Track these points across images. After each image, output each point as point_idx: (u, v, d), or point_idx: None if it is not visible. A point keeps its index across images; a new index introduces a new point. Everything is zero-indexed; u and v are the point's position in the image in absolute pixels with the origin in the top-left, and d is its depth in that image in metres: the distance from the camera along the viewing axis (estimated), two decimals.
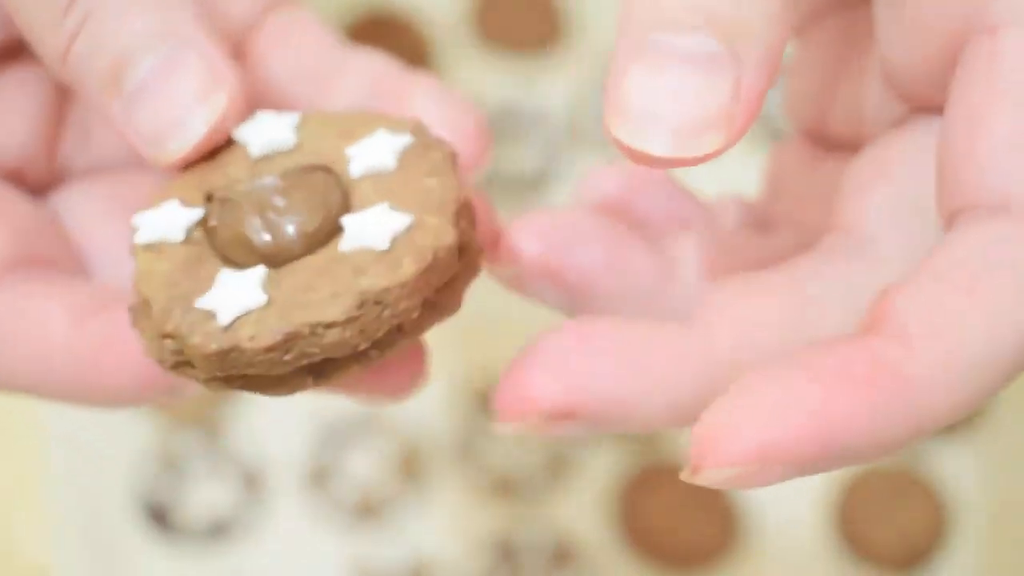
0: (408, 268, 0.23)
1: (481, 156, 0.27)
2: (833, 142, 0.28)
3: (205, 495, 0.49)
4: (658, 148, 0.21)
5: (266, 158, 0.26)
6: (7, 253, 0.26)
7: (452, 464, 0.49)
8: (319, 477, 0.49)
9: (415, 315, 0.24)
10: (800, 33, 0.28)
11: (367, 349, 0.24)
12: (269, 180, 0.25)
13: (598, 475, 0.49)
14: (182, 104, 0.25)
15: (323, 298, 0.23)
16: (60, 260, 0.27)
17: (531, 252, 0.26)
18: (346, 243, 0.24)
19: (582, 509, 0.49)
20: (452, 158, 0.25)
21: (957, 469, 0.49)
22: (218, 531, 0.48)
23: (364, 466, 0.49)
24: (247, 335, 0.23)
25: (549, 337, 0.24)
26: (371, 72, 0.28)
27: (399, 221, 0.24)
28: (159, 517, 0.48)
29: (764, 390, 0.21)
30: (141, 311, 0.25)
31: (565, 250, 0.26)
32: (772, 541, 0.48)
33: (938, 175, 0.23)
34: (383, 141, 0.25)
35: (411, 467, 0.49)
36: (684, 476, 0.21)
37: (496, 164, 0.54)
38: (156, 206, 0.26)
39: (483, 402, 0.50)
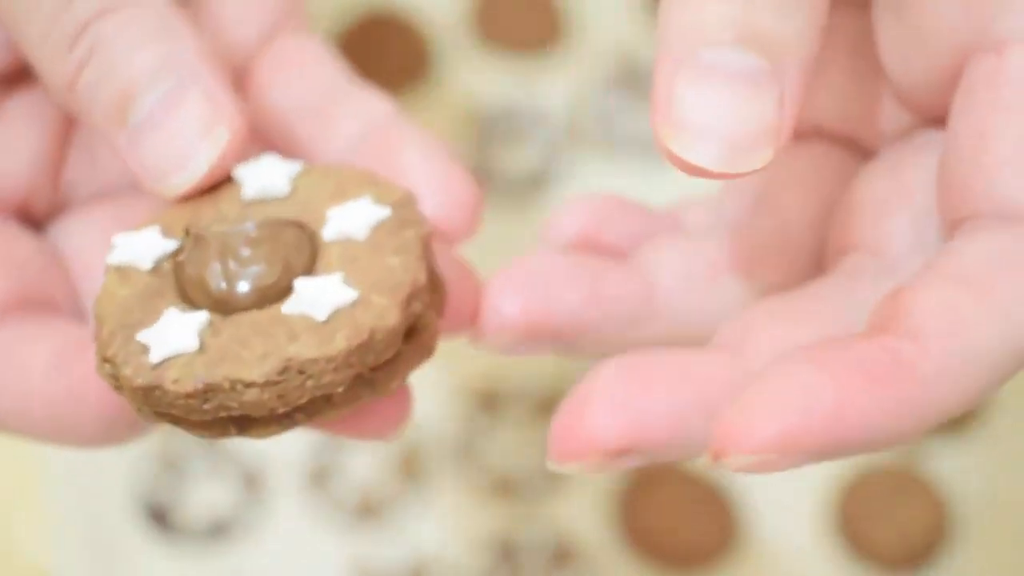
0: (339, 343, 0.23)
1: (469, 224, 0.27)
2: (800, 131, 0.28)
3: (205, 495, 0.49)
4: (713, 163, 0.22)
5: (257, 202, 0.26)
6: (5, 295, 0.27)
7: (452, 464, 0.49)
8: (319, 477, 0.49)
9: (341, 389, 0.24)
10: None
11: (292, 412, 0.24)
12: (246, 227, 0.25)
13: (598, 475, 0.49)
14: (186, 140, 0.26)
15: (252, 356, 0.23)
16: (58, 298, 0.28)
17: (513, 311, 0.27)
18: (291, 306, 0.24)
19: (582, 509, 0.49)
20: (424, 240, 0.25)
21: (957, 468, 0.49)
22: (218, 531, 0.48)
23: (364, 466, 0.49)
24: (171, 377, 0.23)
25: (599, 375, 0.25)
26: (369, 117, 0.28)
27: (344, 295, 0.24)
28: (159, 517, 0.48)
29: (784, 383, 0.22)
30: (96, 330, 0.25)
31: (545, 299, 0.27)
32: (772, 541, 0.48)
33: (941, 184, 0.24)
34: (363, 209, 0.25)
35: (411, 467, 0.49)
36: (705, 462, 0.22)
37: (496, 164, 0.54)
38: (139, 230, 0.26)
39: (483, 402, 0.50)
